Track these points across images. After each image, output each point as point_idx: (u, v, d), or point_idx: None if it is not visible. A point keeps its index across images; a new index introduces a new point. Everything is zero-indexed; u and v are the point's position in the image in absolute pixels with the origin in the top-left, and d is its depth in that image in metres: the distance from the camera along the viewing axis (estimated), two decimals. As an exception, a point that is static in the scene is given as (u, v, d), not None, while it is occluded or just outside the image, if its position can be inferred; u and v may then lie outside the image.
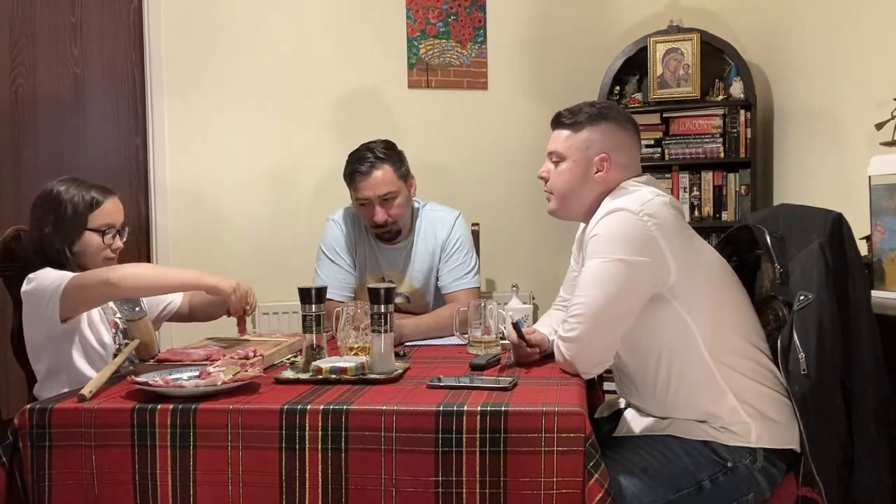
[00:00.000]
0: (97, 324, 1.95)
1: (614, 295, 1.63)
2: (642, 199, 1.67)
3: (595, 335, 1.65)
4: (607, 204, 1.72)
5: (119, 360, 1.69)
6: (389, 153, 2.42)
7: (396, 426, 1.42)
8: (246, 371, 1.61)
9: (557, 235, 3.18)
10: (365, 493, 1.42)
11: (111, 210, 2.05)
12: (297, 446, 1.44)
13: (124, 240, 2.09)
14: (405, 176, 2.44)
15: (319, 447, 1.43)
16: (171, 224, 3.43)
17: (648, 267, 1.62)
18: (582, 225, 2.02)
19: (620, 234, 1.64)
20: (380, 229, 2.44)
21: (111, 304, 2.04)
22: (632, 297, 1.64)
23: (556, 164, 1.84)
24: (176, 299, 2.24)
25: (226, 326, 2.18)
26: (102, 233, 2.02)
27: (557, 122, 1.86)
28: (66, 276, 1.87)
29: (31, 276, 1.93)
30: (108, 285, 1.81)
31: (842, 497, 1.58)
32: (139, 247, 3.37)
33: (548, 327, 1.96)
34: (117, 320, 2.01)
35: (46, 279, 1.88)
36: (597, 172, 1.79)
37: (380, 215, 2.39)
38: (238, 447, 1.44)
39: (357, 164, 2.38)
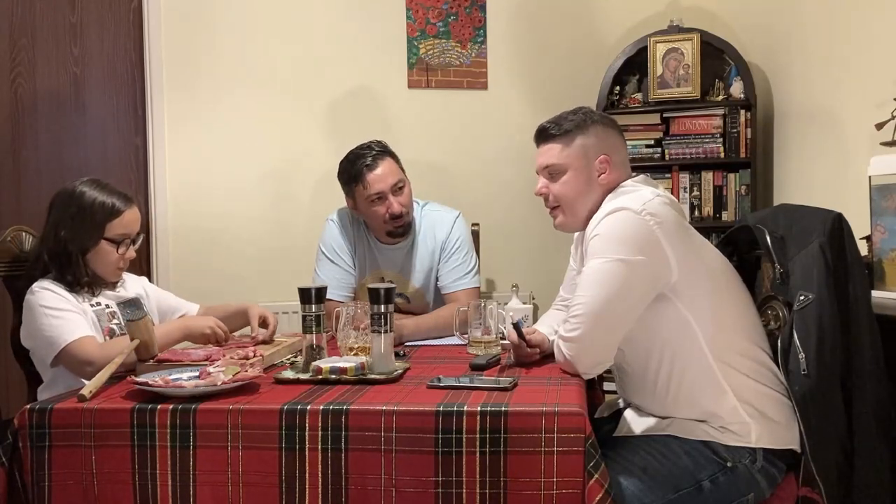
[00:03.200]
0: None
1: (615, 295, 1.62)
2: (643, 198, 1.67)
3: (596, 335, 1.65)
4: (608, 204, 1.72)
5: (119, 361, 1.69)
6: (386, 148, 2.46)
7: (396, 426, 1.42)
8: (246, 371, 1.61)
9: (557, 235, 3.15)
10: (365, 493, 1.42)
11: (130, 220, 2.01)
12: (297, 446, 1.43)
13: (136, 247, 2.05)
14: (403, 169, 2.47)
15: (319, 447, 1.43)
16: (171, 224, 3.43)
17: (650, 266, 1.62)
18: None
19: (622, 234, 1.64)
20: (396, 221, 2.43)
21: (108, 309, 2.02)
22: (633, 297, 1.64)
23: (554, 176, 1.83)
24: (192, 310, 2.23)
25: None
26: (118, 244, 1.99)
27: (545, 136, 1.84)
28: (63, 332, 1.83)
29: (35, 287, 1.91)
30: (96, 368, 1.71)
31: (842, 497, 1.58)
32: (139, 247, 3.36)
33: (548, 327, 1.96)
34: (113, 327, 1.99)
35: (45, 316, 1.86)
36: (600, 175, 1.79)
37: (396, 205, 2.39)
38: (238, 447, 1.44)
39: (361, 161, 2.39)
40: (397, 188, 2.40)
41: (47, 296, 1.89)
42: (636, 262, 1.62)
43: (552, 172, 1.83)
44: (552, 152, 1.82)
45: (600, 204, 1.78)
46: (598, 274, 1.64)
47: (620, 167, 1.82)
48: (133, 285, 2.15)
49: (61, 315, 1.86)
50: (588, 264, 1.68)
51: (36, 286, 1.92)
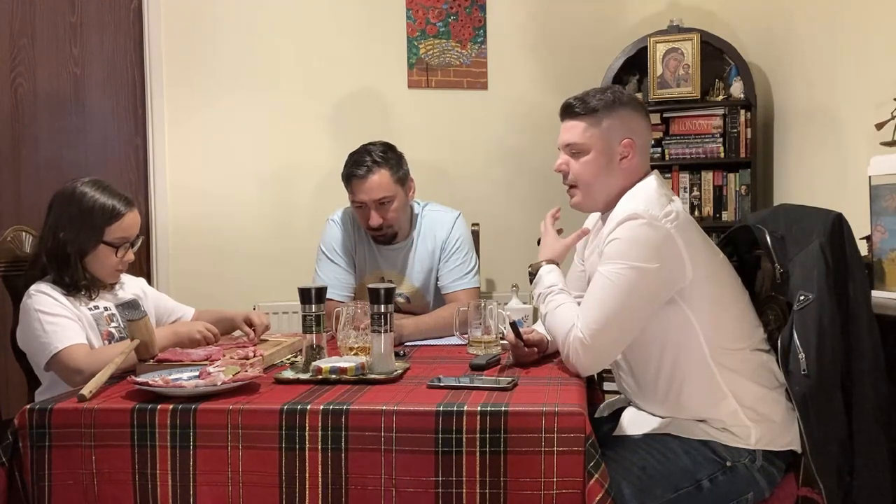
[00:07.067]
0: (91, 340, 1.91)
1: (630, 302, 1.62)
2: (662, 203, 1.66)
3: (608, 341, 1.65)
4: (627, 204, 1.69)
5: (119, 361, 1.69)
6: (387, 156, 2.41)
7: (396, 426, 1.42)
8: (246, 371, 1.61)
9: (557, 235, 3.18)
10: (365, 493, 1.42)
11: (130, 224, 1.99)
12: (297, 446, 1.44)
13: (135, 250, 2.04)
14: (403, 180, 2.43)
15: (319, 447, 1.43)
16: (171, 224, 3.43)
17: (666, 273, 1.62)
18: (586, 222, 2.01)
19: (641, 241, 1.61)
20: (374, 232, 2.44)
21: (106, 312, 2.01)
22: (647, 305, 1.63)
23: (576, 155, 1.78)
24: (187, 314, 2.23)
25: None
26: (117, 247, 1.97)
27: (570, 112, 1.79)
28: (54, 339, 1.82)
29: (31, 291, 1.90)
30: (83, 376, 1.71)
31: (842, 497, 1.58)
32: (138, 249, 3.36)
33: (547, 327, 1.95)
34: (112, 330, 1.99)
35: (39, 322, 1.85)
36: (621, 159, 1.76)
37: (374, 219, 2.38)
38: (238, 447, 1.44)
39: (354, 168, 2.38)
40: (381, 203, 2.38)
41: (43, 300, 1.88)
42: (653, 270, 1.60)
43: (574, 151, 1.78)
44: (576, 130, 1.77)
45: (619, 189, 1.75)
46: (614, 280, 1.62)
47: (643, 152, 1.79)
48: (131, 286, 2.15)
49: (55, 321, 1.85)
50: (604, 267, 1.65)
51: (33, 289, 1.91)
